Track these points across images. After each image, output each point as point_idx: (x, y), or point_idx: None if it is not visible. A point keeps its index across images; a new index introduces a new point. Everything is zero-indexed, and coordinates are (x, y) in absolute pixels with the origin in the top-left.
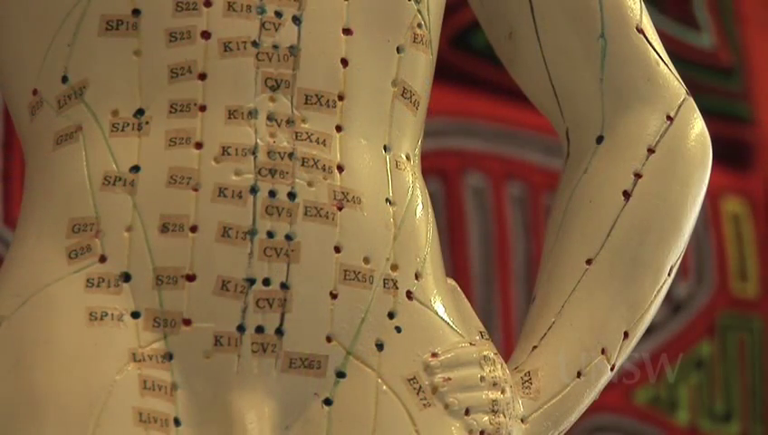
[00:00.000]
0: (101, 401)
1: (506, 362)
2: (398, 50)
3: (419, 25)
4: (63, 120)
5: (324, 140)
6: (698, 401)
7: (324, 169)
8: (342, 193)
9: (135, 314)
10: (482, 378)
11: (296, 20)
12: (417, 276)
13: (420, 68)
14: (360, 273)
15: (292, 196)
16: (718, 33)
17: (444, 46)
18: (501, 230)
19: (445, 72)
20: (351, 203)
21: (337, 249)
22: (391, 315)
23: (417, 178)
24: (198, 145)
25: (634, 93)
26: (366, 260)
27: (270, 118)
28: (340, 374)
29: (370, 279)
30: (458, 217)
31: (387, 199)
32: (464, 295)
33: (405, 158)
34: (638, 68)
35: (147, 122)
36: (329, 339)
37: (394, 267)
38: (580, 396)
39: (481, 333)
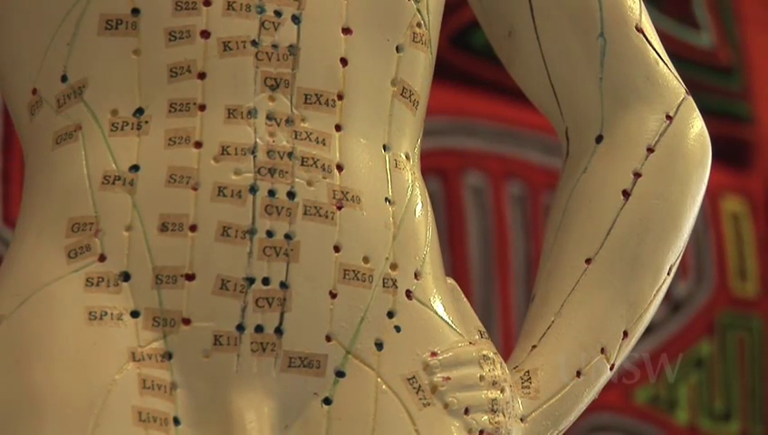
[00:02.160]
0: (101, 400)
1: (506, 361)
2: (398, 49)
3: (419, 25)
4: (63, 120)
5: (324, 140)
6: (698, 401)
7: (324, 169)
8: (342, 192)
9: (134, 314)
10: (481, 377)
11: (295, 19)
12: (416, 276)
13: (420, 67)
14: (359, 272)
15: (291, 195)
16: (718, 32)
17: (444, 46)
18: (500, 230)
19: (445, 72)
20: (351, 202)
21: (336, 249)
22: (391, 315)
23: (416, 177)
24: (198, 144)
25: (633, 93)
26: (365, 259)
27: (269, 117)
28: (340, 374)
29: (370, 278)
30: (458, 217)
31: (386, 199)
32: (463, 295)
33: (404, 157)
34: (637, 67)
35: (146, 122)
36: (328, 338)
37: (393, 267)
38: (580, 395)
39: (480, 332)
